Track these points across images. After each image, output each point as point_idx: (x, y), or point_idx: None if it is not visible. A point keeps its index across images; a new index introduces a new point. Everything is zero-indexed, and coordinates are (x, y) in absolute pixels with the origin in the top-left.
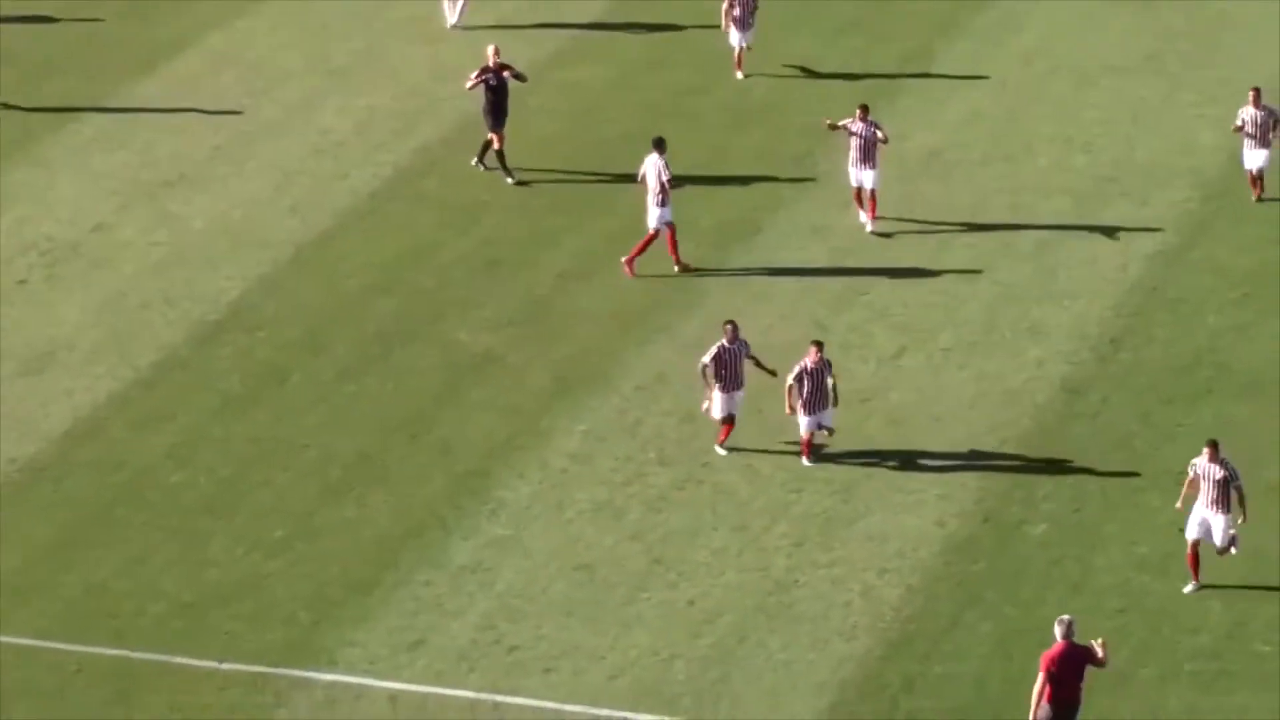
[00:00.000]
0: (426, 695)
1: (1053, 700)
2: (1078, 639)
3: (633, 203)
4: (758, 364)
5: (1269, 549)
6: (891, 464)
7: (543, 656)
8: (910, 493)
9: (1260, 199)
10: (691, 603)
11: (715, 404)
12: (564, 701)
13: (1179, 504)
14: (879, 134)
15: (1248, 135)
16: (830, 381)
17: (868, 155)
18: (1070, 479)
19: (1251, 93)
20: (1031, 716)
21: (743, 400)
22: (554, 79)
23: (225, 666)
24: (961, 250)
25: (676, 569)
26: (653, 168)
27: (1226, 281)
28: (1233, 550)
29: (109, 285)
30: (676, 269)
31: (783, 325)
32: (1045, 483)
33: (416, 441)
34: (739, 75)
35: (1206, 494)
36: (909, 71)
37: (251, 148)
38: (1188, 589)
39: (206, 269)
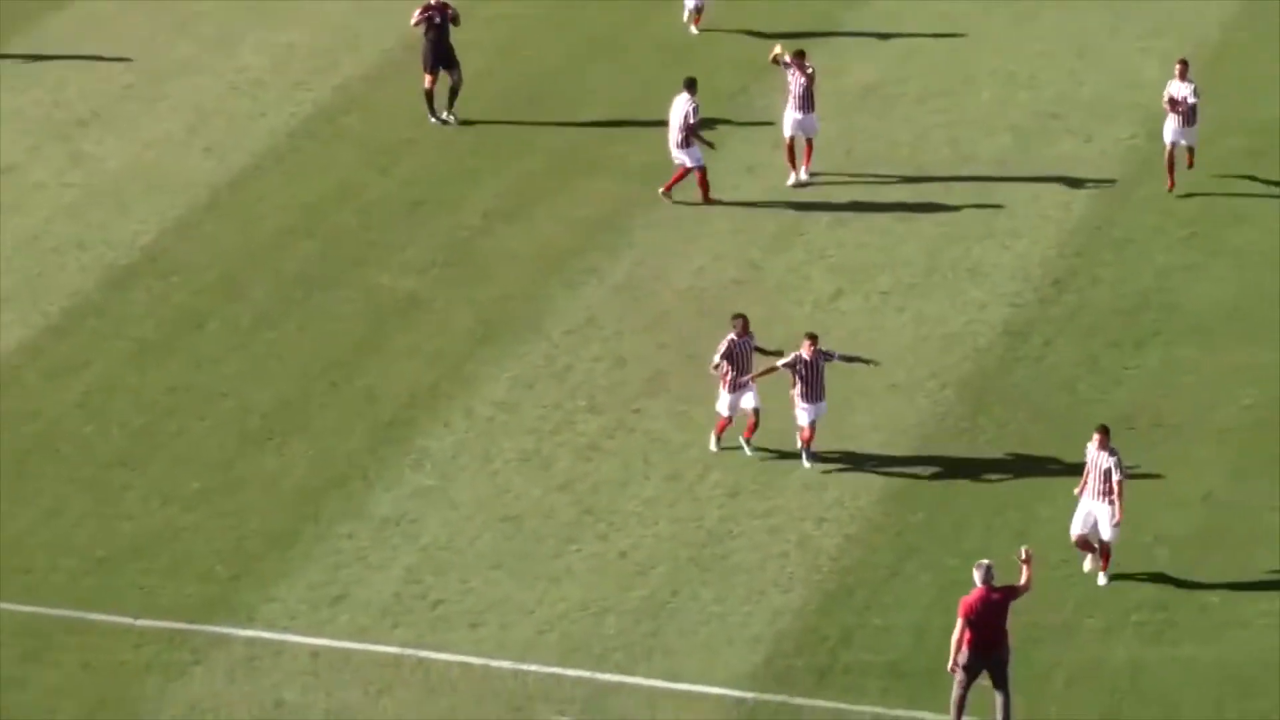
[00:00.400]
0: (349, 651)
1: (973, 645)
2: (998, 583)
3: (560, 140)
4: (763, 352)
5: (1219, 495)
6: (830, 408)
7: (469, 611)
8: (847, 438)
9: (1174, 185)
10: (623, 554)
11: (721, 400)
12: (491, 657)
13: (1077, 490)
14: (810, 77)
15: (1174, 112)
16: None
17: (806, 104)
18: (1013, 425)
19: (1178, 65)
20: (950, 662)
21: (751, 398)
22: (480, 13)
23: (140, 623)
24: (900, 189)
25: (607, 520)
26: (680, 108)
27: (1174, 220)
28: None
29: (20, 229)
30: (664, 194)
31: (716, 267)
32: (987, 428)
33: (338, 389)
34: (693, 30)
35: (1094, 485)
36: (846, 5)
37: (165, 86)
38: (1087, 568)
39: (119, 212)
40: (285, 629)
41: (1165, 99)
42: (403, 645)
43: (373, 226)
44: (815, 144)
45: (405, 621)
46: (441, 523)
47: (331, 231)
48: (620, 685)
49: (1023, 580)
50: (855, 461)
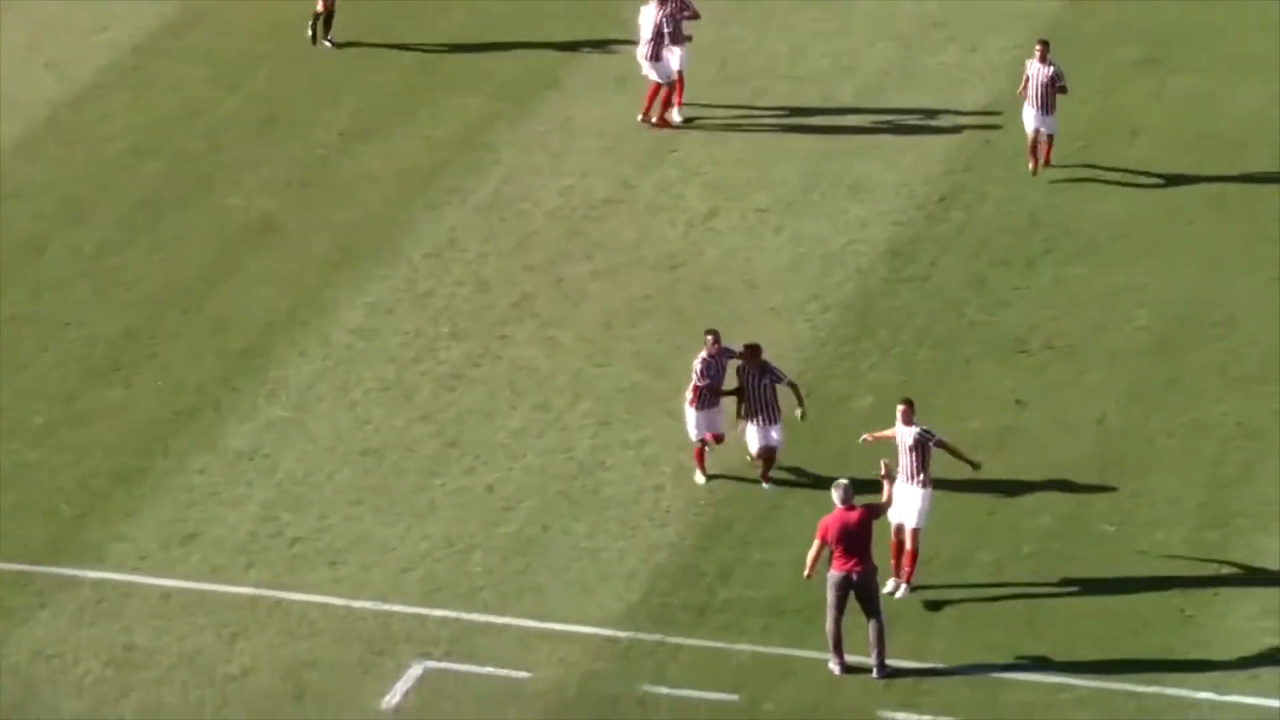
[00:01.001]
0: (203, 592)
1: (836, 568)
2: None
3: (420, 53)
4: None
5: (1113, 421)
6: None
7: (328, 549)
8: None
9: (1037, 169)
10: (489, 488)
11: (691, 422)
12: (352, 597)
13: (884, 499)
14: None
15: (1028, 97)
16: (775, 385)
17: (676, 36)
18: (897, 349)
19: (1038, 46)
20: (808, 570)
21: (723, 418)
22: None
23: None
24: (778, 102)
25: (472, 452)
26: (649, 18)
27: (1064, 134)
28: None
29: None
30: (643, 120)
31: (585, 185)
32: (871, 353)
33: (188, 317)
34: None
35: (904, 467)
36: None
37: None
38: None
39: None
40: (135, 570)
41: (1021, 83)
42: (258, 586)
43: (223, 146)
44: (687, 50)
45: (261, 561)
46: (298, 456)
47: (179, 152)
48: (489, 625)
49: (884, 498)
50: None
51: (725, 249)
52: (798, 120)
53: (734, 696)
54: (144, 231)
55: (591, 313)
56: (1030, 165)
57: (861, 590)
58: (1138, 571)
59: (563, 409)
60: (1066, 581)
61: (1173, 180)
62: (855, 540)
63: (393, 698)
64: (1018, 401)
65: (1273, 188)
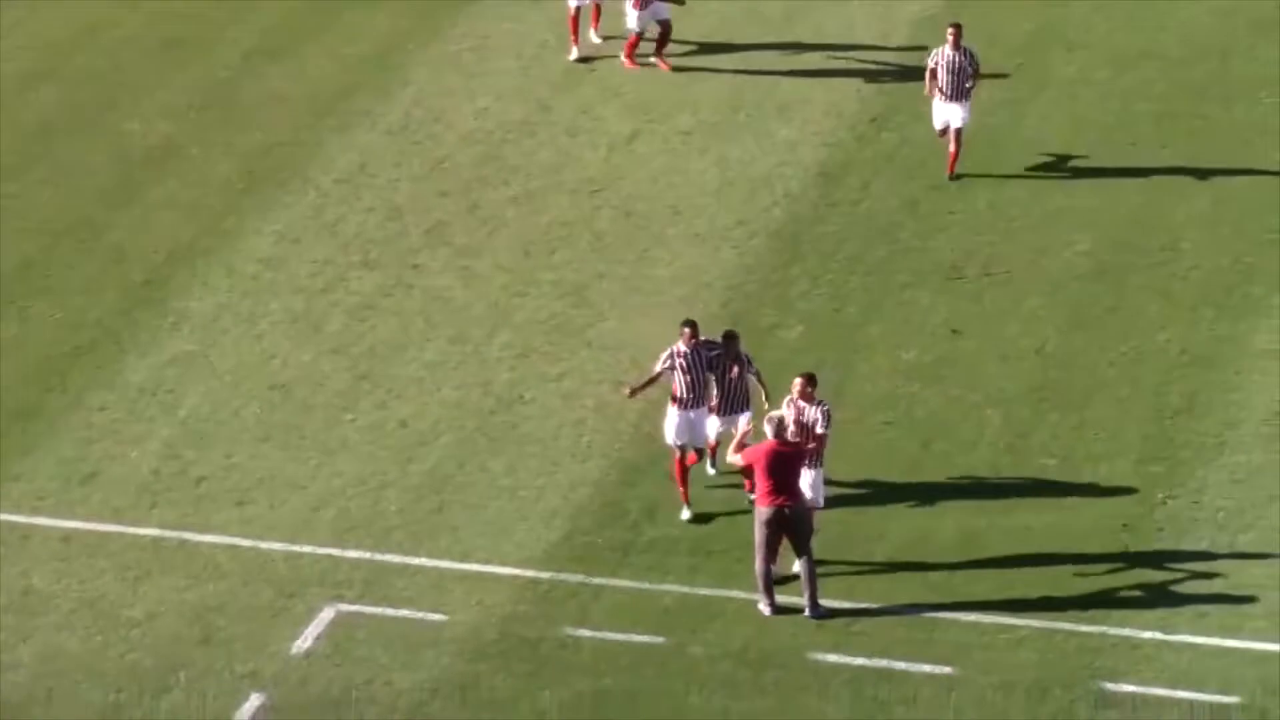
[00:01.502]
0: (104, 534)
1: (765, 502)
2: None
3: None
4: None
5: (1053, 349)
6: (625, 260)
7: (235, 488)
8: (648, 294)
9: (954, 176)
10: (403, 424)
11: (670, 426)
12: (260, 538)
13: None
14: None
15: (939, 88)
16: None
17: None
18: (829, 276)
19: (951, 30)
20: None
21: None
22: None
23: None
24: (700, 19)
25: (385, 386)
26: None
27: (1001, 49)
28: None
29: None
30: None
31: (500, 107)
32: (800, 281)
33: (86, 247)
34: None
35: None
36: None
37: None
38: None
39: None
40: (33, 511)
41: (928, 72)
42: (162, 527)
43: (122, 68)
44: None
45: (165, 501)
46: (203, 392)
47: (76, 74)
48: (403, 566)
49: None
50: (656, 317)
51: (648, 173)
52: (722, 38)
53: (660, 639)
54: (38, 159)
55: (509, 240)
56: (947, 168)
57: (791, 526)
58: (1080, 506)
59: (479, 341)
60: (1005, 517)
61: (1113, 98)
62: (785, 474)
63: (304, 642)
64: (953, 330)
65: (1216, 106)
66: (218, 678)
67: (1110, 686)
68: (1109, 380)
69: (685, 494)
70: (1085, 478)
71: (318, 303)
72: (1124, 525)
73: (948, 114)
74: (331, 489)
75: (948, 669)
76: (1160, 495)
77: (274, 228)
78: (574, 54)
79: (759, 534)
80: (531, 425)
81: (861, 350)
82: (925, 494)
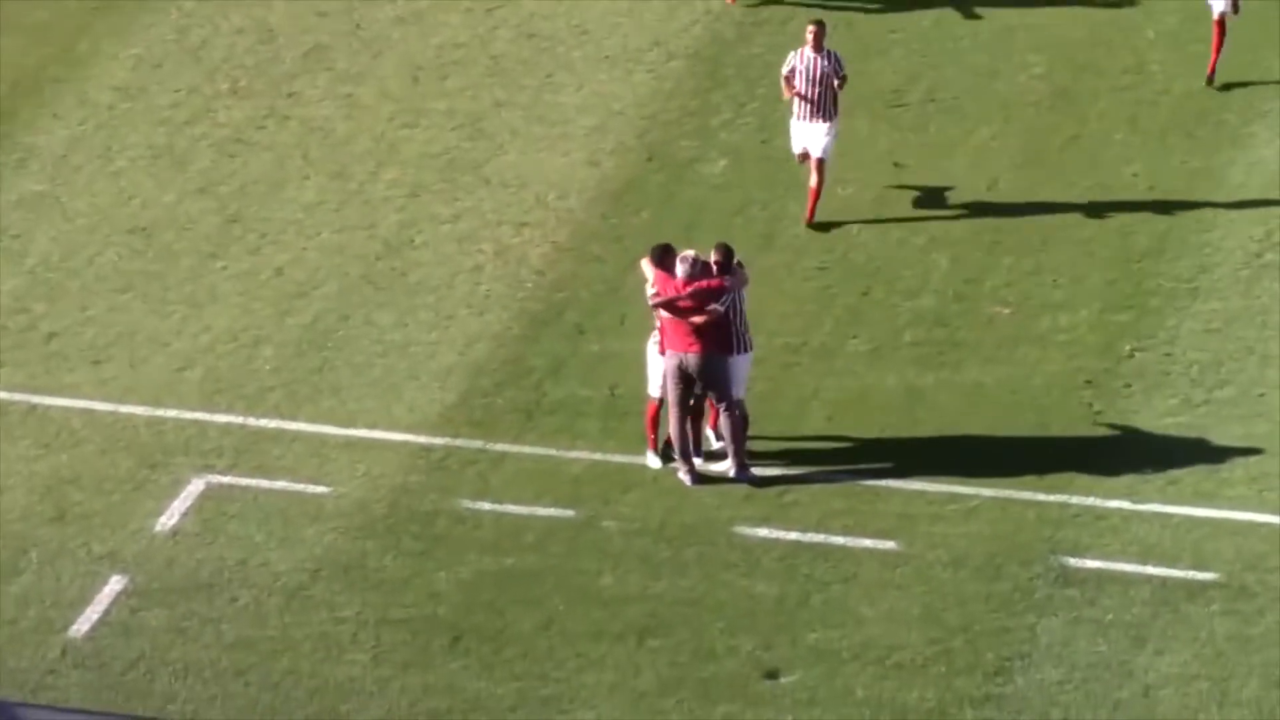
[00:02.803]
0: None
1: (673, 350)
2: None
3: None
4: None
5: (1006, 185)
6: (527, 87)
7: (91, 345)
8: (553, 124)
9: (812, 224)
10: (279, 271)
11: (652, 371)
12: (120, 401)
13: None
14: None
15: (799, 96)
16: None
17: None
18: (755, 104)
19: (811, 29)
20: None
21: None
22: None
23: None
24: None
25: (259, 229)
26: None
27: None
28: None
29: None
30: None
31: None
32: (724, 107)
33: None
34: None
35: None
36: None
37: None
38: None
39: None
40: None
41: (784, 74)
42: (10, 389)
43: None
44: None
45: (12, 360)
46: (53, 237)
47: None
48: (280, 432)
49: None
50: (562, 150)
51: None
52: None
53: (569, 512)
54: None
55: (395, 64)
56: (806, 214)
57: (703, 375)
58: (1037, 361)
59: (364, 178)
60: (954, 373)
61: None
62: (687, 315)
63: (169, 518)
64: (895, 164)
65: None
66: (73, 558)
67: (1072, 561)
68: (1068, 220)
69: (655, 440)
70: (1043, 328)
71: (182, 136)
72: (1087, 381)
73: (807, 137)
74: (199, 346)
75: (891, 543)
76: (1127, 347)
77: (132, 51)
78: None
79: (670, 390)
80: (423, 273)
81: (793, 187)
82: (864, 347)
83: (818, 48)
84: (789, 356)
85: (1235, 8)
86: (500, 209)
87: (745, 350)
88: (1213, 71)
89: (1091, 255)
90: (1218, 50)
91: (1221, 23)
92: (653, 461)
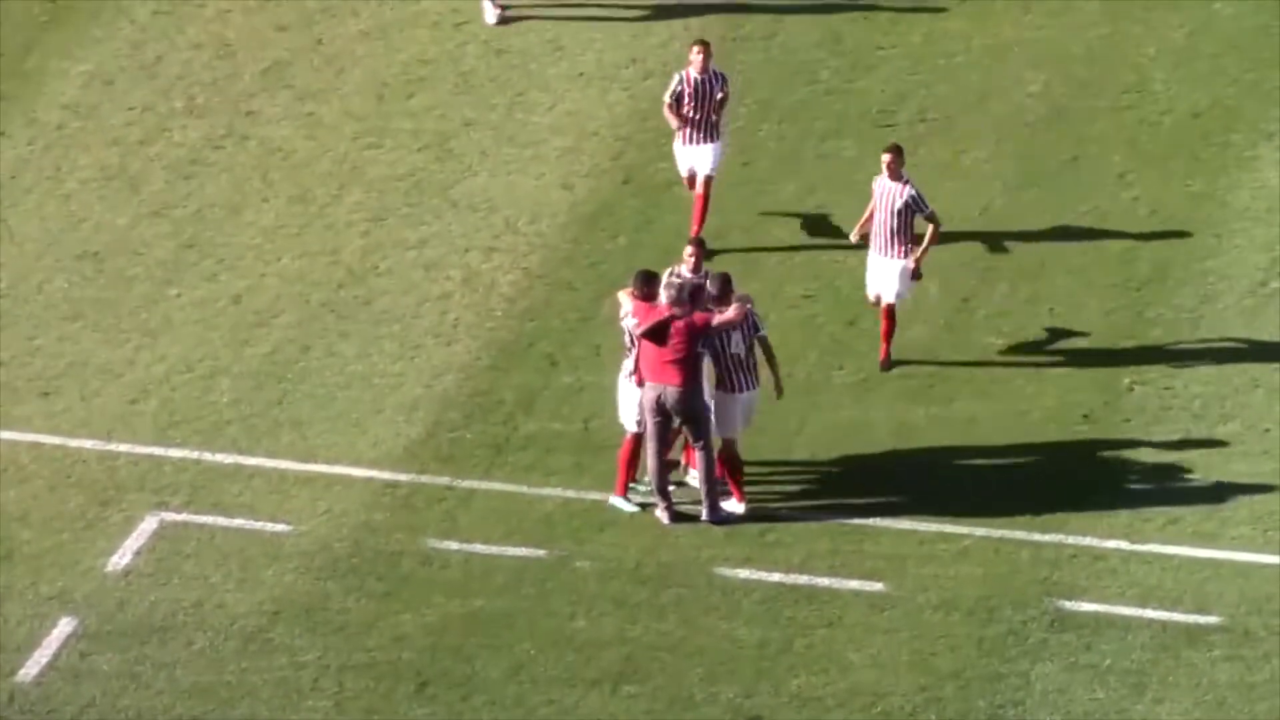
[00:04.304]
0: None
1: (650, 382)
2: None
3: None
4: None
5: (999, 209)
6: (497, 105)
7: (40, 376)
8: (525, 145)
9: (698, 240)
10: (237, 299)
11: (624, 403)
12: (71, 435)
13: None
14: None
15: (685, 119)
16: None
17: None
18: (737, 124)
19: (697, 50)
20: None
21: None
22: None
23: None
24: None
25: (216, 255)
26: None
27: None
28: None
29: None
30: None
31: None
32: None
33: None
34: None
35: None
36: None
37: None
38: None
39: None
40: None
41: (666, 102)
42: None
43: None
44: None
45: None
46: (0, 263)
47: None
48: (238, 467)
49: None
50: (534, 172)
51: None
52: None
53: (541, 551)
54: None
55: (359, 81)
56: (694, 228)
57: (681, 410)
58: (1032, 394)
59: (326, 201)
60: (944, 406)
61: None
62: (669, 346)
63: (122, 558)
64: (887, 124)
65: None
66: (20, 599)
67: (1068, 604)
68: (1065, 246)
69: (626, 482)
70: (1039, 360)
71: (135, 157)
72: (1084, 416)
73: (693, 158)
74: (153, 377)
75: (878, 585)
76: (1126, 380)
77: (82, 68)
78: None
79: (646, 424)
80: (388, 301)
81: (775, 211)
82: (851, 379)
83: (704, 67)
84: (772, 389)
85: None
86: (469, 234)
87: (742, 389)
88: None
89: (1089, 283)
90: None
91: None
92: (623, 506)
